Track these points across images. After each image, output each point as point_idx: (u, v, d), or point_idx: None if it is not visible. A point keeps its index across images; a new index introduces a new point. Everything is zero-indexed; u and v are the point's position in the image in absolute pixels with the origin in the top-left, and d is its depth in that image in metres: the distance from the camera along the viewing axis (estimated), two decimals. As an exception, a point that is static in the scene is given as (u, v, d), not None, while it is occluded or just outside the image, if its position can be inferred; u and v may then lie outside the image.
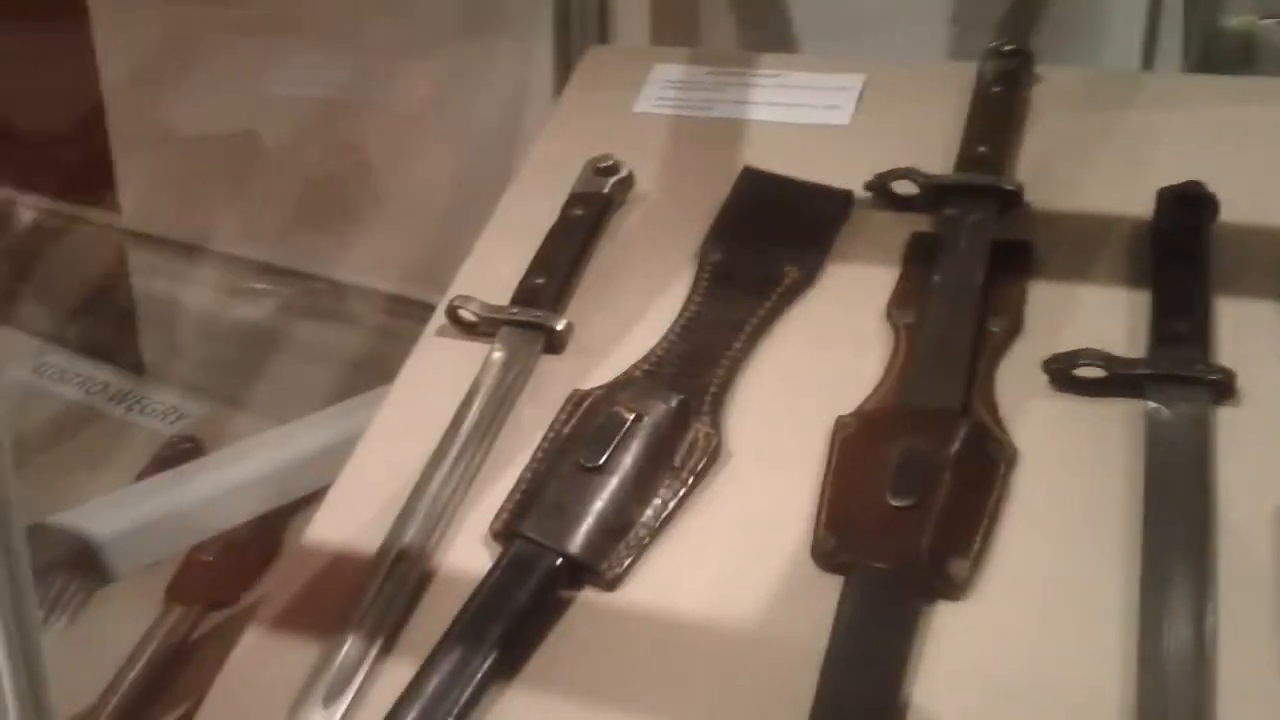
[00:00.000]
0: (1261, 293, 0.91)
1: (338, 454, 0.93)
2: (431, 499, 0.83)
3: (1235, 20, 1.38)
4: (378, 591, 0.79)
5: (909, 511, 0.77)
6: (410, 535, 0.81)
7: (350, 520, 0.86)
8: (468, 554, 0.82)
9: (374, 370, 1.14)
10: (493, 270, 0.99)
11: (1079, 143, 1.04)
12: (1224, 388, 0.83)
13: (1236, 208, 0.95)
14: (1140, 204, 0.97)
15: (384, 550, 0.81)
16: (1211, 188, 0.95)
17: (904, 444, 0.80)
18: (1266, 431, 0.82)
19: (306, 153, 1.36)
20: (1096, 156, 1.03)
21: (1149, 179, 0.99)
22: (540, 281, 0.94)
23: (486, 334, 0.94)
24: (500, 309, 0.93)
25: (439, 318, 0.97)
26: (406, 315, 1.23)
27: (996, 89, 1.05)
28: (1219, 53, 1.35)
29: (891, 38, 1.28)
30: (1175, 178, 0.97)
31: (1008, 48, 1.08)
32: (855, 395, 0.87)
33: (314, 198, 1.35)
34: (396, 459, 0.88)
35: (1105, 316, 0.91)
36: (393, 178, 1.32)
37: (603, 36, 1.19)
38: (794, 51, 1.28)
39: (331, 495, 0.88)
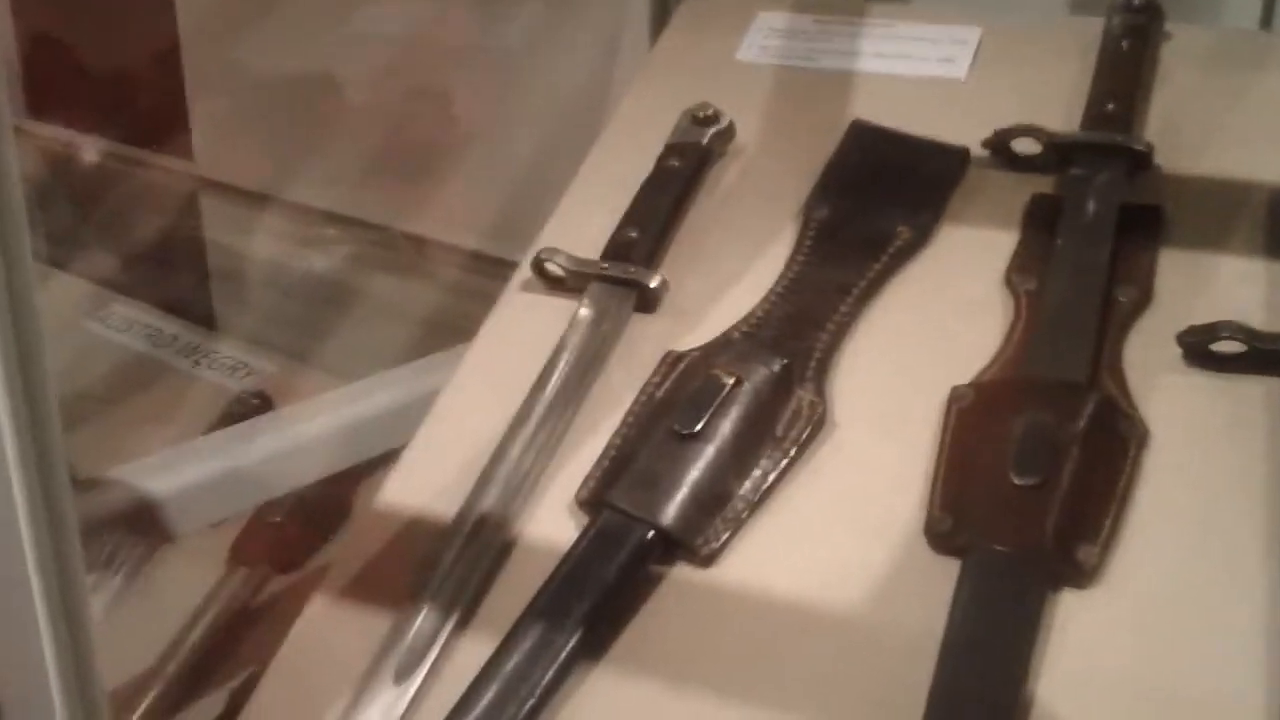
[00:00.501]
0: None
1: (412, 414, 0.88)
2: (513, 464, 0.78)
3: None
4: (455, 560, 0.74)
5: (1033, 491, 0.71)
6: (490, 501, 0.76)
7: (426, 484, 0.80)
8: (552, 523, 0.76)
9: (451, 330, 1.09)
10: (582, 224, 0.93)
11: (1211, 104, 0.97)
12: (1378, 370, 0.76)
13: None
14: (1276, 170, 0.90)
15: (462, 517, 0.76)
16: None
17: (1027, 418, 0.74)
18: None
19: (387, 100, 1.30)
20: (1229, 118, 0.96)
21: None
22: (633, 235, 0.88)
23: (575, 290, 0.88)
24: (590, 263, 0.88)
25: (524, 272, 0.91)
26: (488, 273, 1.17)
27: (1125, 44, 0.98)
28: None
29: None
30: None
31: (1138, 1, 1.00)
32: (971, 365, 0.80)
33: (394, 147, 1.29)
34: (476, 420, 0.83)
35: (1241, 288, 0.84)
36: (477, 128, 1.26)
37: (701, -17, 1.12)
38: (904, 2, 1.21)
39: (405, 457, 0.83)
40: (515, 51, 1.23)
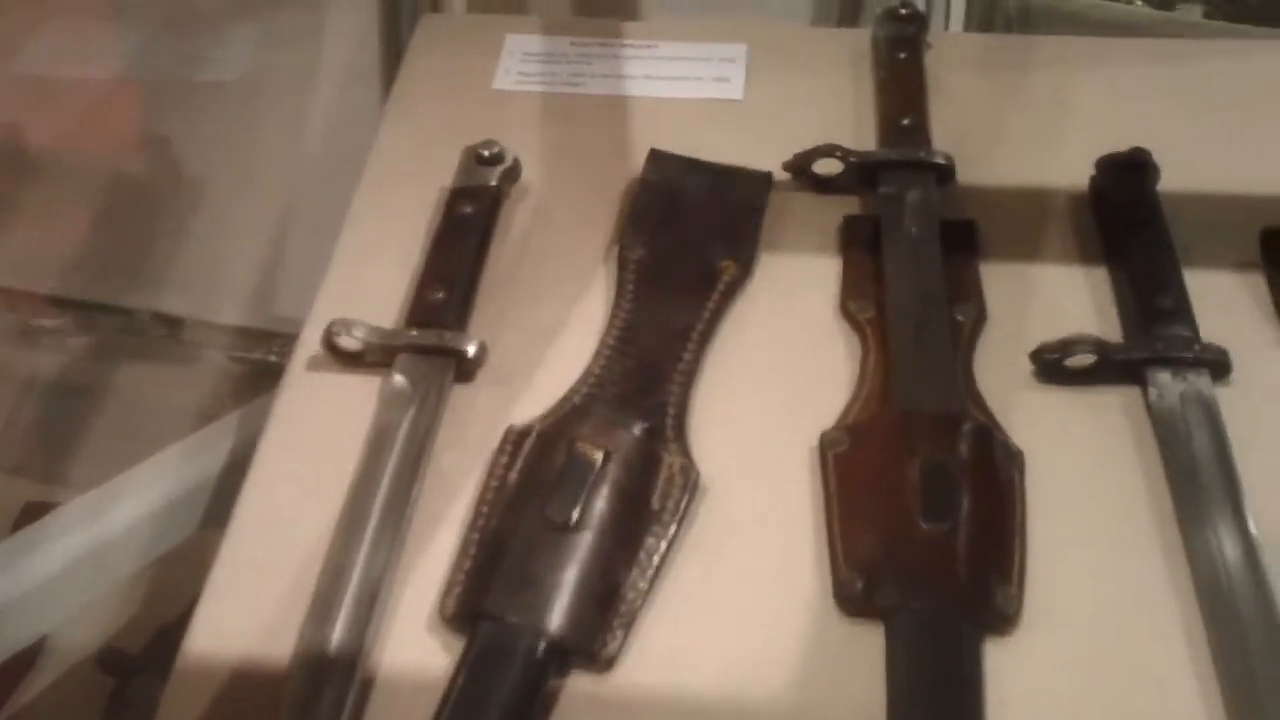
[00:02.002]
0: (1215, 262, 0.85)
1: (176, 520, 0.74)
2: (357, 578, 0.66)
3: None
4: (304, 708, 0.62)
5: (943, 536, 0.66)
6: (337, 629, 0.64)
7: (244, 620, 0.67)
8: (418, 645, 0.65)
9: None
10: (362, 284, 0.82)
11: (987, 109, 0.96)
12: (1220, 367, 0.76)
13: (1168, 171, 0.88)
14: (1066, 171, 0.90)
15: (305, 654, 0.64)
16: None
17: (921, 459, 0.69)
18: (1264, 407, 0.75)
19: (92, 155, 1.11)
20: (1007, 123, 0.96)
21: (1068, 144, 0.92)
22: (440, 296, 0.77)
23: (376, 363, 0.77)
24: (396, 333, 0.76)
25: (307, 346, 0.79)
26: (249, 350, 1.02)
27: (901, 55, 0.96)
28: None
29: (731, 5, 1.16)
30: (1091, 141, 0.90)
31: (905, 10, 0.98)
32: (830, 401, 0.75)
33: (112, 210, 1.10)
34: (288, 531, 0.70)
35: (1064, 295, 0.83)
36: (206, 178, 1.10)
37: (434, 3, 1.02)
38: (634, 19, 1.15)
39: (209, 589, 0.69)
40: (232, 87, 1.08)
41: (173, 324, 1.03)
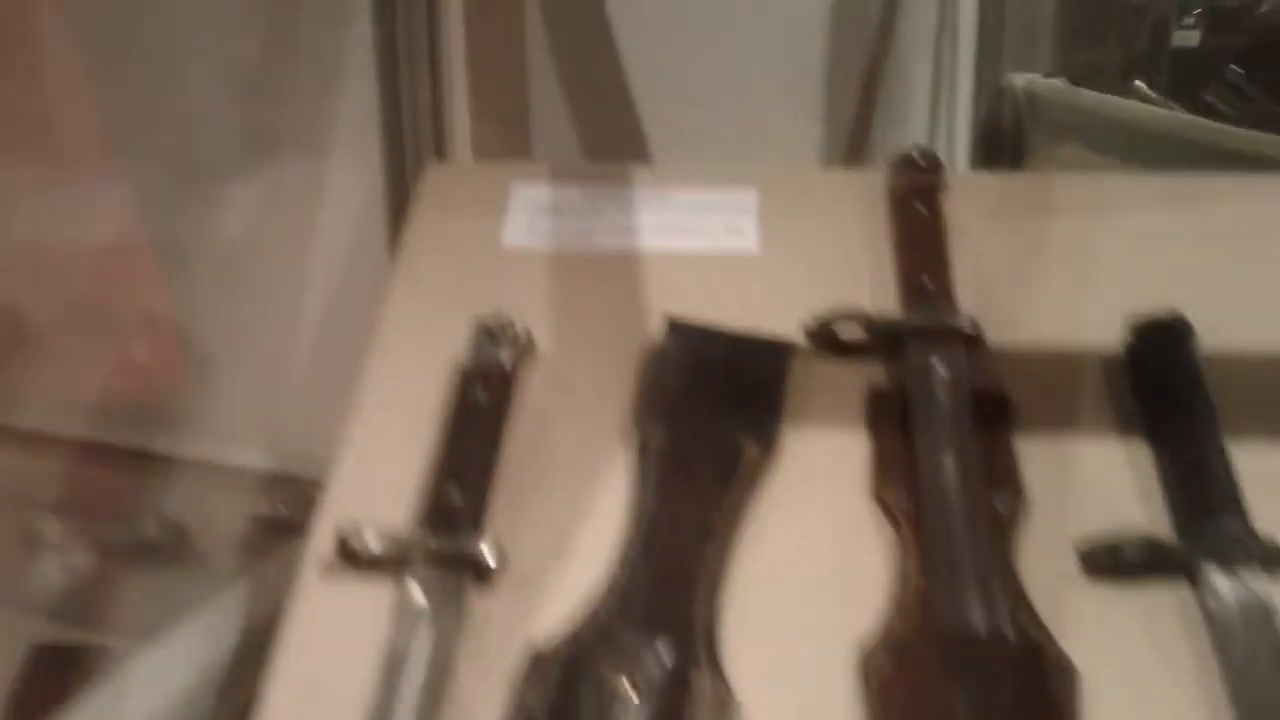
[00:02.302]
0: (1263, 431, 0.81)
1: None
2: (375, 830, 0.62)
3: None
4: None
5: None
6: None
7: None
8: None
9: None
10: (372, 473, 0.78)
11: (1011, 260, 0.93)
12: (1276, 561, 0.73)
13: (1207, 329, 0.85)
14: (1098, 328, 0.86)
15: None
16: (1165, 301, 0.85)
17: (967, 688, 0.65)
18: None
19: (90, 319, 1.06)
20: (1034, 273, 0.92)
21: (1098, 297, 0.89)
22: (456, 496, 0.74)
23: (389, 566, 0.73)
24: (410, 540, 0.72)
25: (317, 549, 0.75)
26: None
27: (920, 207, 0.92)
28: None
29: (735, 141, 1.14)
30: (1124, 292, 0.87)
31: (923, 157, 0.95)
32: (867, 603, 0.72)
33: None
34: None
35: (1105, 474, 0.80)
36: (208, 346, 1.06)
37: (439, 149, 0.99)
38: (641, 153, 1.12)
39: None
40: (231, 246, 1.04)
41: (179, 532, 0.99)
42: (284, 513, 1.00)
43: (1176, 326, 0.84)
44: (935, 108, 1.53)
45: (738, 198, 0.96)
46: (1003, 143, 1.60)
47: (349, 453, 0.80)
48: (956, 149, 1.52)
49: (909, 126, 1.43)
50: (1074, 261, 0.93)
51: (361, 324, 0.88)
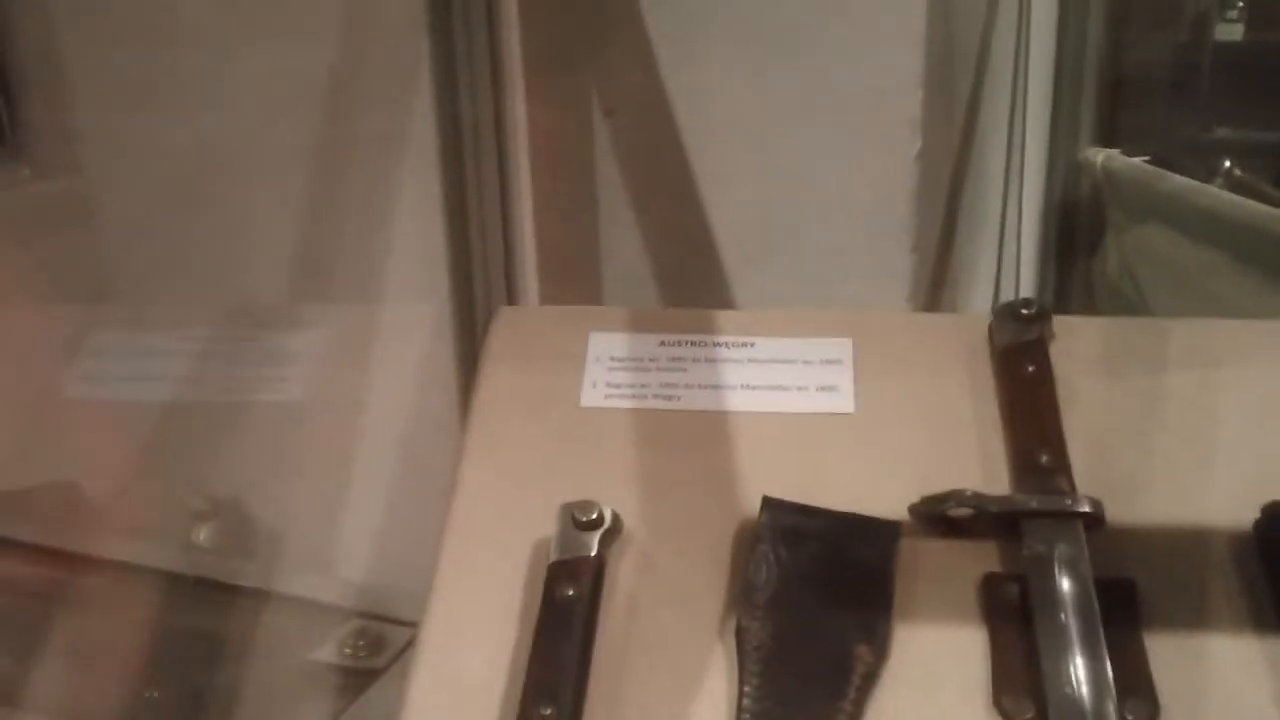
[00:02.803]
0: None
1: None
2: None
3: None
4: None
5: None
6: None
7: None
8: None
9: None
10: (455, 678, 0.72)
11: (1125, 422, 0.87)
12: None
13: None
14: (1225, 501, 0.80)
15: None
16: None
17: None
18: None
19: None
20: (1151, 438, 0.86)
21: (1221, 462, 0.83)
22: (548, 713, 0.68)
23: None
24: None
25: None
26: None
27: (1030, 369, 0.86)
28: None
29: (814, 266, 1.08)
30: (1251, 456, 0.82)
31: (1027, 310, 0.89)
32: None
33: None
34: None
35: (1239, 677, 0.73)
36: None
37: (510, 293, 0.93)
38: (717, 295, 1.06)
39: None
40: (295, 405, 0.98)
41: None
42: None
43: (1311, 511, 0.78)
44: (1008, 183, 1.48)
45: (830, 348, 0.90)
46: (1080, 220, 1.54)
47: (428, 650, 0.74)
48: (1025, 225, 1.47)
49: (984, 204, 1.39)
50: (1192, 421, 0.87)
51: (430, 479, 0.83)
